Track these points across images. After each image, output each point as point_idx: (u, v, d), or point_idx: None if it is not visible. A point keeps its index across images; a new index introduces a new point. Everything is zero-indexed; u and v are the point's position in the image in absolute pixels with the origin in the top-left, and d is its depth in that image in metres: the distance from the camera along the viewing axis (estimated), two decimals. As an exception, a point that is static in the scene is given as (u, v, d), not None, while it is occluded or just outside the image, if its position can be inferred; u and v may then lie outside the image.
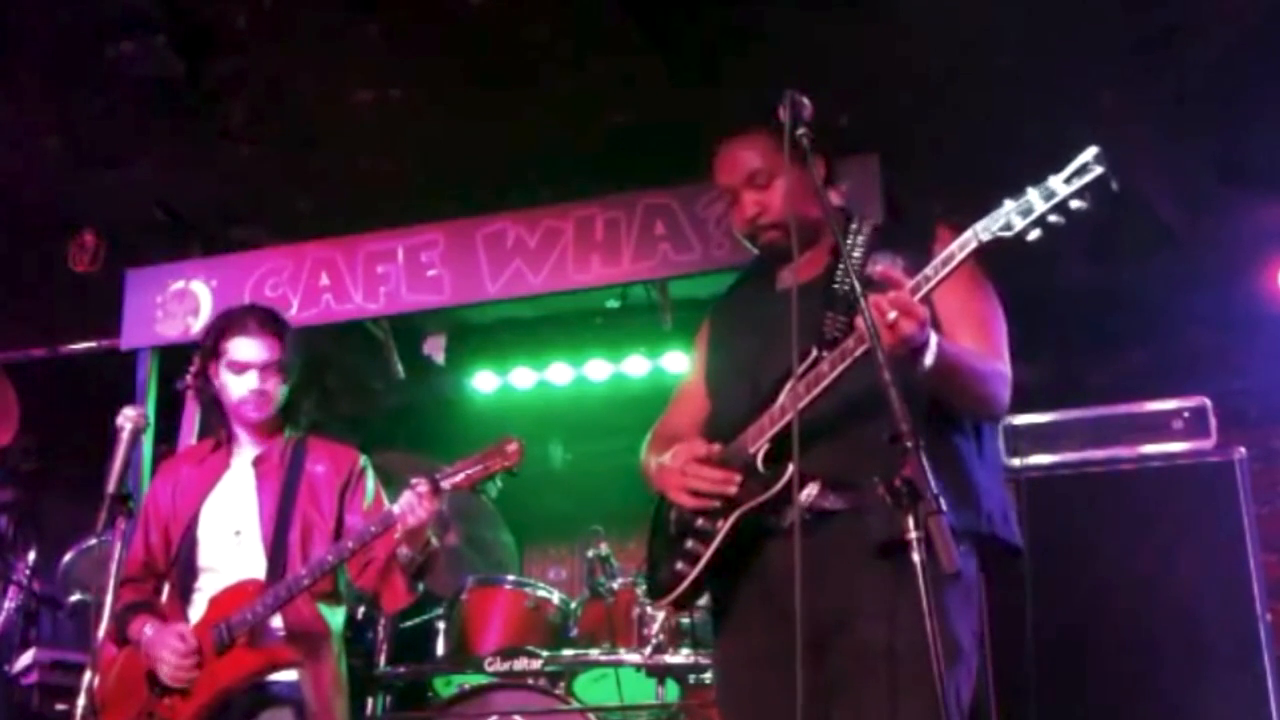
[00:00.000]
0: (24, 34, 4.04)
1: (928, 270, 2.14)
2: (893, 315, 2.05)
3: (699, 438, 2.45)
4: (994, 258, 2.41)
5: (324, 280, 4.92)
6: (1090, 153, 2.09)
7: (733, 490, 2.30)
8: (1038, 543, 3.75)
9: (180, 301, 5.09)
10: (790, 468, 2.20)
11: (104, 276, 5.17)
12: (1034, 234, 2.08)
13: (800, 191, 2.43)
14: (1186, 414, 3.90)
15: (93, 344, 5.52)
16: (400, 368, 5.54)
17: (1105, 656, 3.69)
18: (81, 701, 2.64)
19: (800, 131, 2.25)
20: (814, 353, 2.27)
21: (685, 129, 4.47)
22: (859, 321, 2.10)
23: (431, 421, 6.43)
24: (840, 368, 2.19)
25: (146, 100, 4.30)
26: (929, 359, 2.11)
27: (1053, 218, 2.07)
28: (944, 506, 1.82)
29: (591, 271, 4.62)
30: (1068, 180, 2.07)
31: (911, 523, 1.84)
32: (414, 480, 2.94)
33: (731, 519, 2.31)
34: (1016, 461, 3.96)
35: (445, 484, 2.93)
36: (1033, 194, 2.09)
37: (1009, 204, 2.10)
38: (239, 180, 4.90)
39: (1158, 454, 3.89)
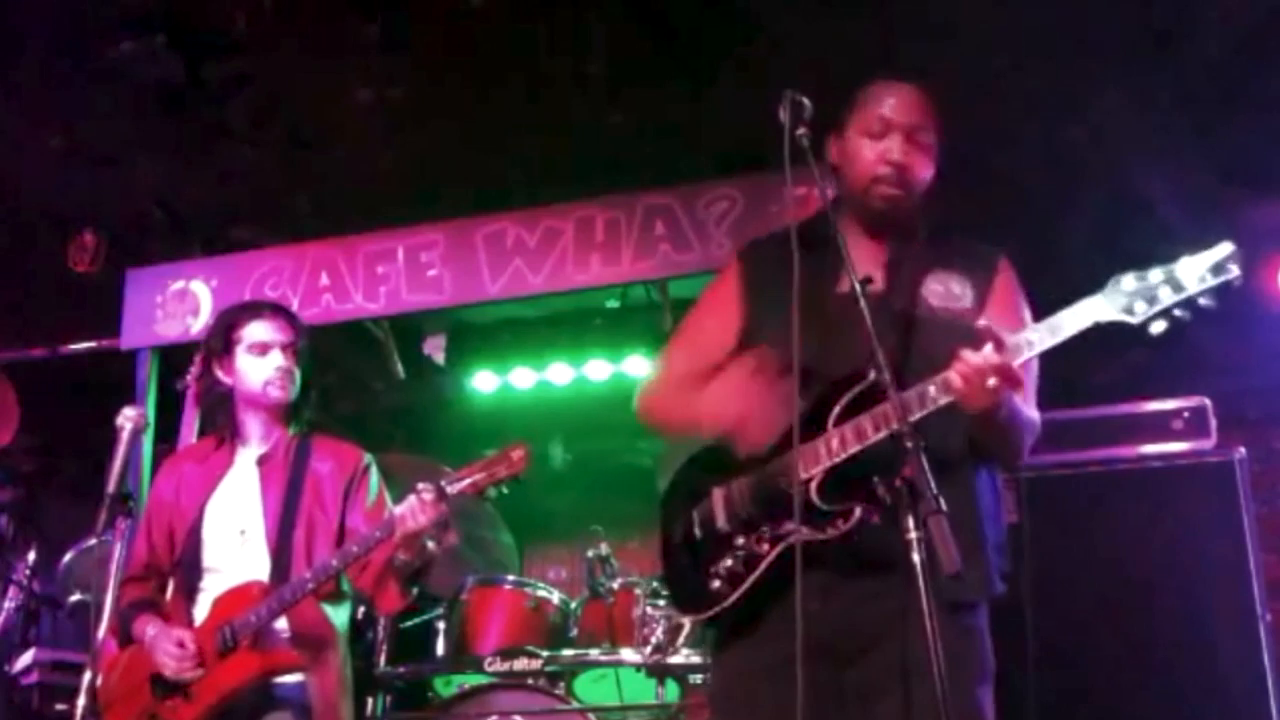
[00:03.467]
0: (24, 34, 4.04)
1: (1030, 335, 2.05)
2: (993, 382, 1.98)
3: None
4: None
5: (324, 280, 4.92)
6: (1226, 250, 1.97)
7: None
8: (1038, 543, 3.78)
9: (180, 301, 5.09)
10: (858, 512, 2.11)
11: (104, 276, 5.17)
12: (1158, 325, 1.97)
13: (928, 182, 2.38)
14: (1186, 414, 3.90)
15: (93, 344, 5.52)
16: (400, 368, 5.54)
17: (1105, 656, 3.69)
18: (81, 701, 2.64)
19: (800, 132, 2.21)
20: (872, 375, 2.11)
21: (685, 129, 4.51)
22: (952, 375, 2.00)
23: (431, 421, 6.43)
24: (920, 413, 2.04)
25: (146, 100, 4.30)
26: (1002, 415, 2.07)
27: (1179, 311, 1.96)
28: (944, 506, 1.81)
29: (591, 271, 4.62)
30: (1201, 276, 1.96)
31: (911, 523, 1.83)
32: (419, 486, 2.92)
33: (779, 547, 2.19)
34: (1016, 461, 3.96)
35: (451, 490, 2.92)
36: (1158, 279, 1.97)
37: (1131, 282, 1.99)
38: (239, 180, 4.90)
39: (1158, 454, 3.89)
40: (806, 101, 2.26)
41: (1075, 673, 3.69)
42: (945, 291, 2.32)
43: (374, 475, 3.29)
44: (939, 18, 3.85)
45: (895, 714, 2.10)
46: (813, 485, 2.15)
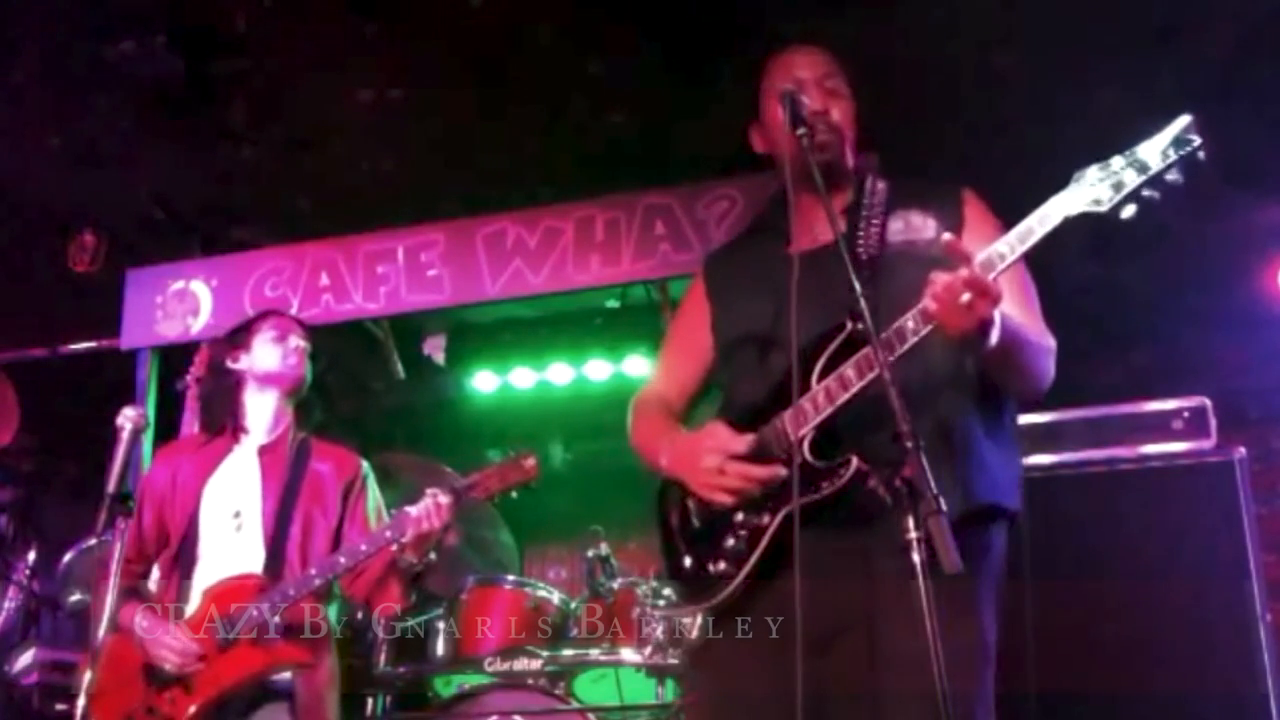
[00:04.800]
0: (24, 34, 4.04)
1: (1000, 247, 1.99)
2: (967, 297, 1.91)
3: (717, 423, 2.23)
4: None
5: (324, 280, 4.92)
6: (1183, 122, 1.94)
7: (780, 480, 2.11)
8: (1038, 543, 3.77)
9: (180, 301, 5.09)
10: (854, 462, 2.05)
11: (104, 276, 5.17)
12: (1127, 210, 1.94)
13: (854, 125, 2.38)
14: (1186, 414, 3.89)
15: (93, 344, 5.52)
16: (400, 368, 5.54)
17: (1105, 656, 3.69)
18: (82, 702, 2.64)
19: (800, 131, 2.19)
20: (849, 325, 2.09)
21: (685, 129, 4.50)
22: (926, 300, 1.95)
23: (431, 421, 6.43)
24: (901, 349, 2.02)
25: (146, 100, 4.30)
26: (994, 339, 1.98)
27: (1146, 191, 1.92)
28: (944, 506, 1.79)
29: (591, 271, 4.62)
30: (1163, 152, 1.92)
31: (911, 523, 1.82)
32: (431, 490, 2.99)
33: (780, 515, 2.12)
34: (1016, 461, 3.96)
35: (465, 495, 2.97)
36: (1120, 165, 1.94)
37: (1094, 173, 1.96)
38: (239, 180, 4.90)
39: (1158, 454, 3.89)
40: (806, 101, 2.26)
41: (1075, 672, 3.69)
42: (906, 226, 2.29)
43: (372, 487, 3.34)
44: (939, 18, 3.85)
45: (888, 703, 2.05)
46: (805, 444, 2.10)
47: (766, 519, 2.14)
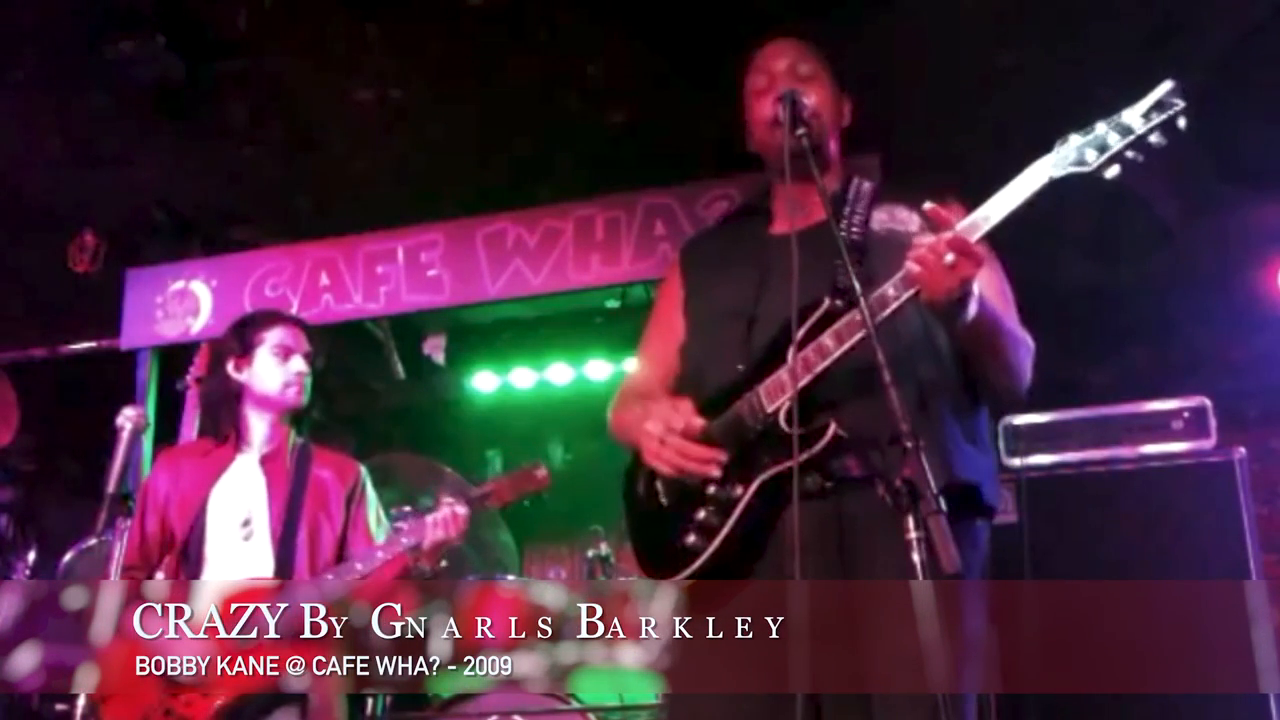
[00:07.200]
0: (24, 34, 4.04)
1: (983, 211, 2.00)
2: (950, 257, 1.92)
3: (684, 398, 2.19)
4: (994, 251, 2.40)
5: (324, 280, 4.92)
6: (1166, 87, 1.99)
7: (715, 473, 2.09)
8: (1038, 543, 3.77)
9: (180, 301, 5.09)
10: (832, 427, 2.03)
11: (104, 276, 5.18)
12: (1111, 170, 1.96)
13: (833, 109, 2.38)
14: (1186, 414, 3.89)
15: (93, 344, 5.52)
16: (400, 368, 5.54)
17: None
18: (82, 701, 2.65)
19: (800, 131, 2.20)
20: (827, 301, 2.09)
21: (685, 129, 4.51)
22: (909, 263, 1.96)
23: (431, 421, 6.43)
24: (883, 315, 2.01)
25: (146, 100, 4.30)
26: (973, 310, 1.99)
27: (1130, 153, 1.96)
28: (943, 506, 1.77)
29: (591, 271, 4.63)
30: (1145, 115, 1.97)
31: (911, 523, 1.81)
32: (447, 499, 3.06)
33: (754, 485, 2.09)
34: (1016, 461, 3.96)
35: (481, 505, 3.03)
36: (1104, 129, 1.98)
37: (1076, 138, 1.99)
38: (239, 180, 4.90)
39: (1158, 454, 3.88)
40: (807, 101, 2.26)
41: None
42: (890, 218, 2.30)
43: (371, 493, 3.36)
44: (940, 18, 3.86)
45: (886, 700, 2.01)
46: (781, 414, 2.09)
47: (739, 490, 2.11)
